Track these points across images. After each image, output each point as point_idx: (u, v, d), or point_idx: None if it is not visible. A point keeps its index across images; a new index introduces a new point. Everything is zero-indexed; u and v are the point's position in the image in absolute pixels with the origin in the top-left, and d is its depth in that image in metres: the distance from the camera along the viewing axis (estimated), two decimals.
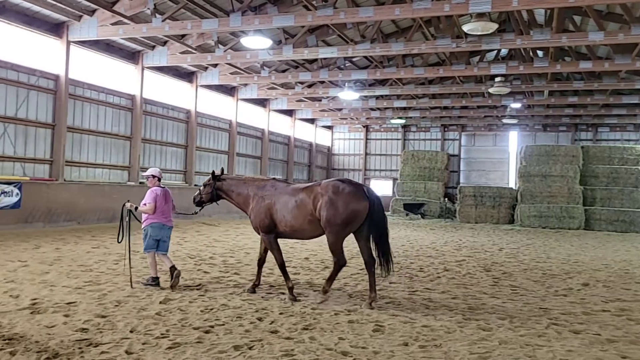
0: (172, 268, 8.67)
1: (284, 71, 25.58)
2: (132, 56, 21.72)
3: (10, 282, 8.59)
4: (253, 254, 13.35)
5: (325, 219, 7.75)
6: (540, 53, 23.34)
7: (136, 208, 8.74)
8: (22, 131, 17.62)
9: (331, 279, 8.22)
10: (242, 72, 24.91)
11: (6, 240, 13.52)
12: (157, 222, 8.73)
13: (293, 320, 6.86)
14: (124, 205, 8.85)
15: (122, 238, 8.84)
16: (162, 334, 6.02)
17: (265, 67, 24.40)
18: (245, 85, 28.05)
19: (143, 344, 5.68)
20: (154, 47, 21.56)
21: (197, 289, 8.59)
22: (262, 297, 8.20)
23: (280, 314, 7.16)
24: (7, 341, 5.53)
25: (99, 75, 20.63)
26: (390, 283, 9.83)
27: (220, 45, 20.57)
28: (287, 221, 8.12)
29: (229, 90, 28.59)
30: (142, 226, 8.85)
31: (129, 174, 22.24)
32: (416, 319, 7.19)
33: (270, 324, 6.66)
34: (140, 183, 22.42)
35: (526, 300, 8.76)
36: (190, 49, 20.96)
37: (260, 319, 6.84)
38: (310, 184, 8.38)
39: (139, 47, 21.37)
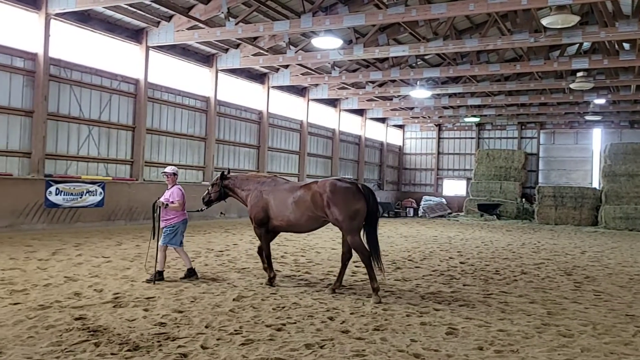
0: (192, 271, 9.24)
1: (354, 71, 25.59)
2: (206, 59, 22.41)
3: (95, 277, 9.08)
4: (324, 253, 13.44)
5: (335, 217, 8.27)
6: (626, 46, 22.08)
7: (166, 205, 8.96)
8: (105, 133, 18.59)
9: (372, 275, 8.17)
10: (312, 72, 25.13)
11: (91, 237, 14.30)
12: (185, 219, 9.19)
13: (364, 320, 6.84)
14: (155, 202, 9.07)
15: (155, 235, 9.10)
16: (235, 330, 6.17)
17: (335, 67, 24.51)
18: (316, 85, 28.27)
19: (217, 339, 5.84)
20: (227, 50, 22.14)
21: (269, 287, 8.74)
22: (333, 296, 8.24)
23: (352, 314, 7.17)
24: (92, 333, 5.84)
25: (176, 79, 21.44)
26: (464, 285, 9.62)
27: (291, 47, 20.85)
28: (285, 216, 8.73)
29: (299, 90, 28.92)
30: (170, 223, 9.05)
31: (203, 174, 22.96)
32: (491, 322, 6.99)
33: (341, 323, 6.68)
34: None
35: (611, 306, 8.31)
36: (262, 51, 21.37)
37: (331, 319, 6.87)
38: (307, 182, 8.98)
39: (213, 51, 22.02)
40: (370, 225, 8.31)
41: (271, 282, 8.95)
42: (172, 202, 9.01)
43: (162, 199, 9.07)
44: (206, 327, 6.28)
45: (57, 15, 16.17)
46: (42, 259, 10.70)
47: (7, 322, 6.12)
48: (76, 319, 6.37)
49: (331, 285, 8.76)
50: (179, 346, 5.55)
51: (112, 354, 5.24)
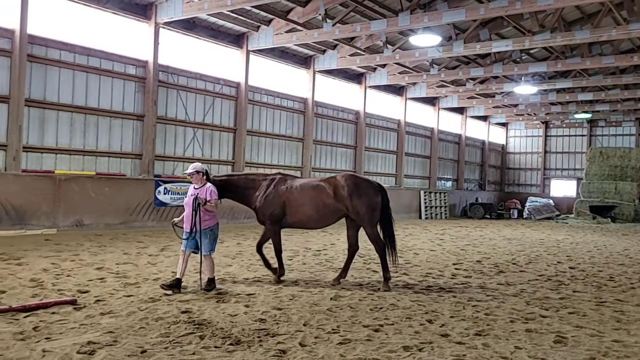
0: (212, 281, 8.19)
1: (454, 68, 25.00)
2: (304, 61, 22.83)
3: (199, 272, 9.51)
4: (422, 254, 13.25)
5: (357, 210, 8.63)
6: None
7: (205, 203, 8.01)
8: (208, 135, 19.49)
9: (385, 266, 8.77)
10: (410, 71, 24.85)
11: None
12: (218, 221, 8.35)
13: (464, 324, 6.66)
14: (196, 197, 8.06)
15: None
16: (333, 329, 6.23)
17: (434, 65, 24.08)
18: (414, 84, 27.92)
19: (315, 337, 5.92)
20: (324, 51, 22.43)
21: (367, 288, 8.74)
22: (433, 299, 8.09)
23: (451, 317, 7.00)
24: (197, 326, 6.14)
25: (274, 81, 22.03)
26: (574, 292, 9.09)
27: (388, 46, 20.75)
28: (305, 211, 8.81)
29: (397, 89, 28.69)
30: (208, 226, 8.11)
31: (301, 174, 23.39)
32: (605, 332, 6.54)
33: (440, 326, 6.54)
34: None
35: None
36: (359, 51, 21.44)
37: (430, 321, 6.75)
38: (325, 177, 9.23)
39: (311, 52, 22.39)
40: (386, 219, 8.91)
41: (277, 279, 8.92)
42: (209, 201, 8.07)
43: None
44: (304, 325, 6.39)
45: (165, 24, 17.18)
46: (152, 254, 11.40)
47: (121, 313, 6.57)
48: (182, 312, 6.72)
49: (336, 276, 9.15)
50: (278, 342, 5.68)
51: (215, 347, 5.48)
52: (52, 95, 15.13)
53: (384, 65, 24.70)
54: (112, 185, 15.86)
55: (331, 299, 7.81)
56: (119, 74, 16.63)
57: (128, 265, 9.99)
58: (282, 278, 9.01)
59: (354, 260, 9.54)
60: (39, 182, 14.37)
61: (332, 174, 10.06)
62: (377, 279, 9.53)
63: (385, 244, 8.86)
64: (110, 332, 5.78)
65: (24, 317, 6.24)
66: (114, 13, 16.31)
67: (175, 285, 7.85)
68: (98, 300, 7.17)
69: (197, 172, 8.19)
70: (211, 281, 8.16)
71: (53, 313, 6.47)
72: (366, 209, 8.68)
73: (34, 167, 14.69)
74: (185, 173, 8.63)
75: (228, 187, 8.92)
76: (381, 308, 7.35)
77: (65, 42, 15.31)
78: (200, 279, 8.11)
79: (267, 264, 9.14)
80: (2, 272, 8.47)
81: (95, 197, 15.43)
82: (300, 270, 10.16)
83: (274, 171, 22.02)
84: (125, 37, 16.82)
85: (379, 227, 8.90)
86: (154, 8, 16.83)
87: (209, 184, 8.23)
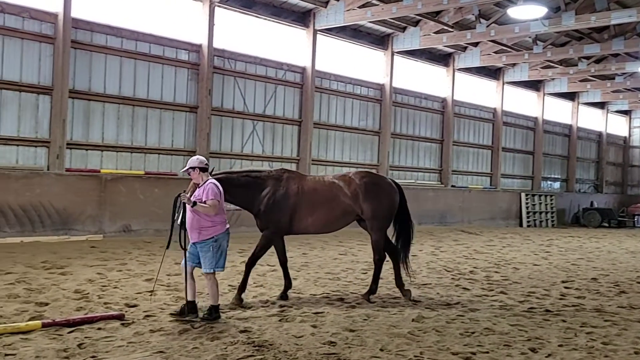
0: (215, 309, 7.42)
1: (563, 45, 24.22)
2: (380, 41, 22.76)
3: (260, 286, 9.68)
4: (523, 270, 12.90)
5: (371, 213, 8.71)
6: None
7: (195, 203, 7.25)
8: (269, 128, 19.79)
9: (376, 279, 8.99)
10: (508, 49, 24.22)
11: (255, 243, 15.21)
12: (228, 229, 7.58)
13: (577, 355, 6.42)
14: (178, 196, 7.56)
15: (170, 241, 7.80)
16: (415, 356, 6.17)
17: (538, 42, 23.39)
18: (513, 65, 27.21)
19: None
20: (404, 28, 22.27)
21: (456, 308, 8.60)
22: (537, 323, 7.86)
23: (560, 346, 6.77)
24: (257, 348, 6.24)
25: (345, 65, 22.08)
26: None
27: (482, 20, 20.35)
28: (319, 215, 8.69)
29: (492, 72, 28.08)
30: (209, 235, 7.39)
31: (377, 173, 23.25)
32: None
33: (546, 357, 6.34)
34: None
35: None
36: (446, 27, 21.14)
37: (533, 350, 6.56)
38: (339, 174, 9.18)
39: (389, 30, 22.28)
40: (405, 221, 9.14)
41: (285, 294, 8.82)
42: (204, 202, 7.31)
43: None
44: (381, 350, 6.36)
45: (221, 2, 17.57)
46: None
47: (173, 331, 6.78)
48: (241, 331, 6.85)
49: (402, 292, 9.17)
50: None
51: None
52: (97, 85, 15.84)
53: (476, 44, 24.21)
54: (163, 186, 16.36)
55: (413, 320, 7.74)
56: (170, 60, 17.19)
57: (180, 276, 10.26)
58: (288, 293, 8.89)
59: (440, 275, 9.43)
60: (84, 183, 15.06)
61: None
62: (469, 298, 9.37)
63: (399, 251, 9.16)
64: (161, 352, 5.97)
65: (68, 332, 6.55)
66: None
67: (190, 311, 7.37)
68: (147, 316, 7.43)
69: (192, 168, 7.52)
70: (214, 310, 7.37)
71: (99, 329, 6.75)
72: (382, 212, 8.84)
73: (79, 166, 15.41)
74: (182, 171, 8.04)
75: (226, 187, 8.05)
76: (473, 333, 7.21)
77: (111, 26, 15.98)
78: (186, 300, 7.51)
79: (245, 282, 8.59)
80: (45, 282, 8.93)
81: (144, 199, 16.00)
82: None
83: (345, 170, 22.14)
84: (177, 18, 17.34)
85: (393, 231, 9.16)
86: None
87: (210, 182, 7.50)
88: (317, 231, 9.42)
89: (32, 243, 13.35)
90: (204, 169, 7.58)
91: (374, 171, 22.88)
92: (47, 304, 7.79)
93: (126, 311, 7.59)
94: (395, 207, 9.07)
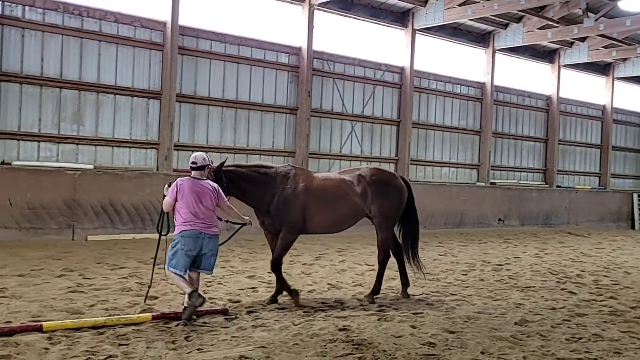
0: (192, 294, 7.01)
1: None
2: (481, 39, 22.27)
3: (358, 285, 9.71)
4: (636, 274, 12.22)
5: (379, 211, 8.49)
6: None
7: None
8: (368, 129, 19.83)
9: (380, 278, 8.77)
10: (619, 44, 22.94)
11: (354, 243, 15.31)
12: (188, 230, 7.14)
13: None
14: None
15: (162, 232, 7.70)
16: None
17: None
18: (625, 60, 25.82)
19: None
20: (506, 25, 21.67)
21: (561, 312, 8.27)
22: None
23: None
24: (356, 346, 6.25)
25: (444, 64, 21.77)
26: None
27: (590, 14, 19.44)
28: (330, 213, 8.41)
29: (601, 68, 26.80)
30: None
31: (478, 173, 22.84)
32: None
33: None
34: (492, 184, 22.80)
35: None
36: (551, 23, 20.37)
37: None
38: (347, 171, 8.93)
39: (490, 27, 21.78)
40: (412, 218, 8.98)
41: (275, 298, 8.18)
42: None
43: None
44: (482, 352, 6.21)
45: (320, 5, 17.77)
46: (306, 263, 11.86)
47: (274, 327, 6.93)
48: (340, 329, 6.89)
49: (401, 291, 8.97)
50: None
51: None
52: (202, 89, 16.44)
53: (583, 39, 23.14)
54: None
55: (516, 323, 7.51)
56: (270, 63, 17.57)
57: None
58: (278, 297, 8.24)
59: (545, 279, 9.07)
60: None
61: (366, 165, 9.62)
62: (575, 302, 8.99)
63: (405, 249, 8.99)
64: (263, 347, 6.11)
65: (176, 325, 6.84)
66: None
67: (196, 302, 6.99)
68: (250, 312, 7.63)
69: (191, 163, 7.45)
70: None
71: (204, 323, 7.01)
72: (390, 210, 8.64)
73: (185, 167, 15.99)
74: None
75: (236, 182, 8.03)
76: (580, 338, 6.91)
77: (216, 32, 16.54)
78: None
79: (281, 284, 8.32)
80: (155, 277, 9.34)
81: None
82: (478, 288, 9.90)
83: (445, 170, 21.81)
84: (277, 22, 17.71)
85: (399, 229, 9.03)
86: None
87: (177, 180, 7.38)
88: (327, 231, 9.15)
89: (143, 240, 14.00)
90: (196, 167, 7.36)
91: (475, 172, 22.60)
92: (156, 298, 8.16)
93: (229, 306, 7.82)
94: (403, 205, 8.84)
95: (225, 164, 8.09)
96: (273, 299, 8.25)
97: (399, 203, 8.82)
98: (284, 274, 8.48)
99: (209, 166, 7.46)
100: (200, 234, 7.14)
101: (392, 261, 9.03)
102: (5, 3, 13.54)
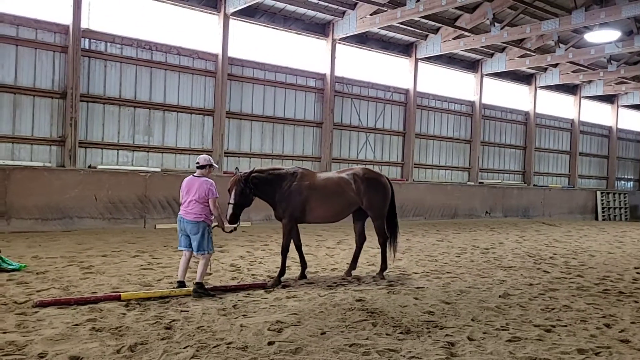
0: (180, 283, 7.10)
1: (635, 63, 22.28)
2: (471, 65, 22.04)
3: (372, 265, 9.67)
4: (599, 257, 12.00)
5: (371, 203, 8.40)
6: None
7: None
8: (379, 139, 19.74)
9: (384, 257, 8.67)
10: (585, 69, 22.58)
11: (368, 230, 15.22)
12: (179, 215, 7.15)
13: None
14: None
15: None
16: (502, 327, 5.92)
17: (612, 61, 21.65)
18: (589, 82, 25.35)
19: (484, 333, 5.68)
20: (492, 54, 21.44)
21: (537, 288, 8.15)
22: (611, 302, 7.28)
23: (632, 323, 6.24)
24: (370, 313, 6.24)
25: (441, 86, 21.55)
26: None
27: (560, 45, 19.15)
28: (328, 206, 8.19)
29: (570, 88, 26.33)
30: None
31: (468, 175, 22.62)
32: None
33: (620, 332, 5.86)
34: (480, 183, 22.56)
35: None
36: (529, 52, 20.10)
37: (607, 325, 6.09)
38: (343, 170, 8.70)
39: (478, 56, 21.54)
40: (391, 212, 8.77)
41: (279, 280, 7.78)
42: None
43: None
44: (472, 320, 6.16)
45: (340, 39, 17.75)
46: (330, 247, 11.86)
47: (304, 298, 6.94)
48: (357, 300, 6.88)
49: (347, 269, 8.72)
50: (447, 335, 5.56)
51: (387, 334, 5.52)
52: (246, 107, 16.51)
53: (555, 65, 22.81)
54: None
55: (500, 296, 7.43)
56: (300, 86, 17.59)
57: (309, 255, 10.48)
58: (282, 279, 7.89)
59: (524, 260, 8.90)
60: None
61: (353, 167, 9.36)
62: (549, 279, 8.86)
63: (388, 237, 8.74)
64: (295, 314, 6.13)
65: (226, 296, 6.89)
66: (296, 33, 17.29)
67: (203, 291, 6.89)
68: (284, 286, 7.65)
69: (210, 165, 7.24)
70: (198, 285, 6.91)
71: (248, 294, 7.05)
72: (380, 203, 8.53)
73: (232, 170, 16.09)
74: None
75: (260, 187, 7.87)
76: (553, 309, 6.81)
77: (257, 62, 16.60)
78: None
79: (303, 261, 8.38)
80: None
81: None
82: (468, 267, 9.82)
83: (442, 172, 21.63)
84: (305, 53, 17.72)
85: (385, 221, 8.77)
86: (331, 26, 17.51)
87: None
88: (327, 221, 8.72)
89: None
90: (202, 166, 7.16)
91: (466, 173, 22.38)
92: (210, 274, 8.22)
93: (268, 281, 7.84)
94: (389, 198, 8.67)
95: (243, 170, 7.89)
96: (302, 276, 8.29)
97: (388, 196, 8.67)
98: (307, 256, 8.41)
99: (211, 165, 7.18)
100: (182, 219, 7.03)
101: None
102: (91, 40, 13.76)
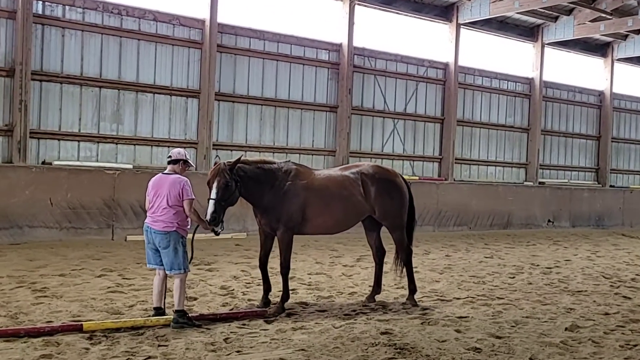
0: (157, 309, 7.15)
1: None
2: (529, 32, 21.94)
3: (401, 288, 9.63)
4: None
5: (386, 212, 8.41)
6: None
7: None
8: (410, 127, 19.71)
9: (411, 277, 8.72)
10: None
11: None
12: (145, 224, 7.22)
13: None
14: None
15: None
16: None
17: None
18: None
19: None
20: (556, 18, 21.32)
21: (615, 318, 8.09)
22: None
23: None
24: (398, 350, 6.23)
25: (490, 59, 21.51)
26: None
27: None
28: (331, 213, 8.15)
29: None
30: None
31: (526, 173, 22.52)
32: None
33: None
34: (541, 183, 22.46)
35: None
36: (603, 15, 19.94)
37: None
38: (348, 167, 8.76)
39: (539, 21, 21.44)
40: (410, 218, 8.77)
41: (283, 306, 7.80)
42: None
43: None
44: (530, 359, 6.13)
45: (360, 0, 17.74)
46: (347, 264, 11.86)
47: (314, 329, 6.95)
48: (382, 333, 6.87)
49: (367, 296, 8.73)
50: None
51: None
52: (241, 87, 16.57)
53: (638, 31, 22.59)
54: None
55: (566, 329, 7.39)
56: (310, 60, 17.62)
57: (321, 276, 10.52)
58: (285, 305, 7.90)
59: (597, 282, 8.84)
60: None
61: (355, 164, 9.35)
62: (630, 307, 8.79)
63: (412, 250, 8.88)
64: (303, 349, 6.14)
65: (215, 327, 6.91)
66: None
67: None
68: (289, 314, 7.67)
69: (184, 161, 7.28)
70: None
71: (243, 325, 7.07)
72: (398, 210, 8.54)
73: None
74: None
75: (245, 178, 7.67)
76: (635, 345, 6.75)
77: (254, 29, 16.65)
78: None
79: (268, 286, 8.19)
80: (193, 277, 9.47)
81: None
82: (526, 292, 9.76)
83: (491, 169, 21.53)
84: (317, 18, 17.73)
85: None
86: None
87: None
88: (328, 232, 8.79)
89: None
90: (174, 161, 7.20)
91: (523, 171, 22.27)
92: (195, 299, 8.28)
93: (269, 309, 7.84)
94: (407, 204, 8.71)
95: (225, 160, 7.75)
96: (266, 302, 8.08)
97: (406, 201, 8.68)
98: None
99: (185, 161, 7.19)
100: (149, 228, 7.06)
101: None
102: (46, 3, 13.88)
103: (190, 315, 7.08)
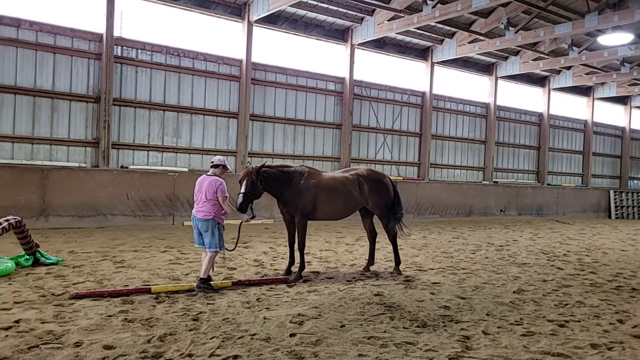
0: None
1: None
2: (486, 68, 21.79)
3: (389, 260, 9.61)
4: (612, 254, 11.77)
5: (377, 202, 8.39)
6: None
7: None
8: (396, 140, 19.63)
9: (397, 253, 8.68)
10: (598, 71, 22.15)
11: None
12: (192, 214, 7.18)
13: None
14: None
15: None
16: (516, 321, 5.85)
17: (625, 64, 21.19)
18: (602, 84, 24.88)
19: (498, 327, 5.62)
20: (506, 57, 21.16)
21: (551, 284, 8.03)
22: (624, 299, 7.14)
23: None
24: (387, 307, 6.22)
25: (457, 88, 21.34)
26: None
27: (574, 48, 18.82)
28: (334, 204, 8.10)
29: (583, 90, 25.84)
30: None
31: (483, 174, 22.37)
32: None
33: (632, 327, 5.75)
34: (495, 182, 22.31)
35: None
36: (542, 55, 19.80)
37: (620, 321, 5.97)
38: (347, 170, 8.66)
39: (493, 60, 21.29)
40: (398, 208, 8.67)
41: (300, 273, 7.80)
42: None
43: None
44: (487, 314, 6.10)
45: (359, 45, 17.70)
46: (349, 243, 11.84)
47: (324, 292, 6.95)
48: (375, 294, 6.86)
49: (365, 265, 8.71)
50: (462, 329, 5.51)
51: (404, 327, 5.50)
52: (269, 110, 16.57)
53: (569, 67, 22.44)
54: None
55: (514, 292, 7.34)
56: (321, 90, 17.58)
57: (329, 252, 10.51)
58: (302, 274, 7.87)
59: (537, 257, 8.78)
60: None
61: (352, 168, 9.23)
62: (562, 276, 8.71)
63: (397, 231, 8.71)
64: (315, 307, 6.14)
65: (249, 290, 6.92)
66: (317, 39, 17.29)
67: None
68: (305, 280, 7.67)
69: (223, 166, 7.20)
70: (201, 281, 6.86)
71: (271, 288, 7.08)
72: (385, 203, 8.49)
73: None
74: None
75: (269, 179, 7.72)
76: (566, 304, 6.70)
77: (279, 67, 16.65)
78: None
79: (303, 262, 8.02)
80: (234, 253, 9.50)
81: None
82: (483, 264, 9.71)
83: (457, 172, 21.42)
84: (325, 58, 17.71)
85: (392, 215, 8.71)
86: (350, 32, 17.47)
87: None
88: (333, 218, 8.51)
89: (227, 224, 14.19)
90: (215, 165, 7.14)
91: (481, 173, 22.14)
92: (235, 269, 8.31)
93: (290, 276, 7.85)
94: (392, 197, 8.62)
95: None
96: (288, 271, 8.01)
97: (391, 197, 8.62)
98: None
99: (224, 166, 7.14)
100: (194, 217, 7.06)
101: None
102: (123, 47, 13.94)
103: (232, 281, 7.11)
